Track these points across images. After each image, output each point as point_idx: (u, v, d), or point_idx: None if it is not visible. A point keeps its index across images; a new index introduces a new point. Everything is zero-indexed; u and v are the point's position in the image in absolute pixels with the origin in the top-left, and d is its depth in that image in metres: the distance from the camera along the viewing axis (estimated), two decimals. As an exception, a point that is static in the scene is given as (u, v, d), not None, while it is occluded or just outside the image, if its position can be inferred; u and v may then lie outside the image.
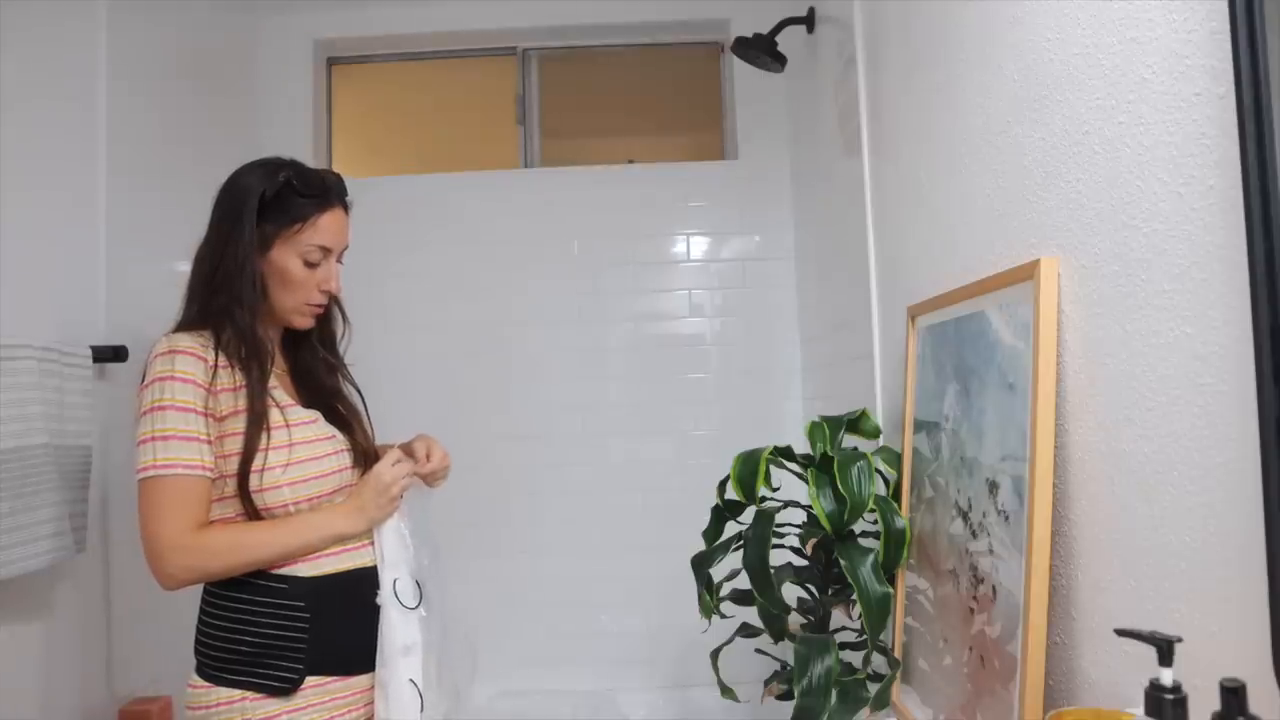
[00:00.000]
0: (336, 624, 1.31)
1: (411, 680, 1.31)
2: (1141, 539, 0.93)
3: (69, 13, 1.82)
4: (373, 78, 3.15)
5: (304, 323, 1.42)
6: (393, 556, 1.35)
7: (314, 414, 1.39)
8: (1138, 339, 0.93)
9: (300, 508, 1.31)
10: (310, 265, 1.37)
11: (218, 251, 1.33)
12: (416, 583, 1.36)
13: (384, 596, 1.32)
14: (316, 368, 1.47)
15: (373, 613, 1.33)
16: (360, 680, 1.33)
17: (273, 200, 1.34)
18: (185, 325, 1.33)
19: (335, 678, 1.30)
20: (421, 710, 1.31)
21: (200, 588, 1.32)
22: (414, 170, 2.99)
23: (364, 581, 1.34)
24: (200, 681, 1.28)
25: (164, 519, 1.22)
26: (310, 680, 1.28)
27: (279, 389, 1.38)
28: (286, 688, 1.26)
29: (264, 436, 1.28)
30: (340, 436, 1.41)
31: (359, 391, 1.51)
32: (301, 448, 1.32)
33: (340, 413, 1.45)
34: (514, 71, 3.03)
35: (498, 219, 2.84)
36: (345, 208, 1.43)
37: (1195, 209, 0.83)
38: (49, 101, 1.75)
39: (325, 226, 1.37)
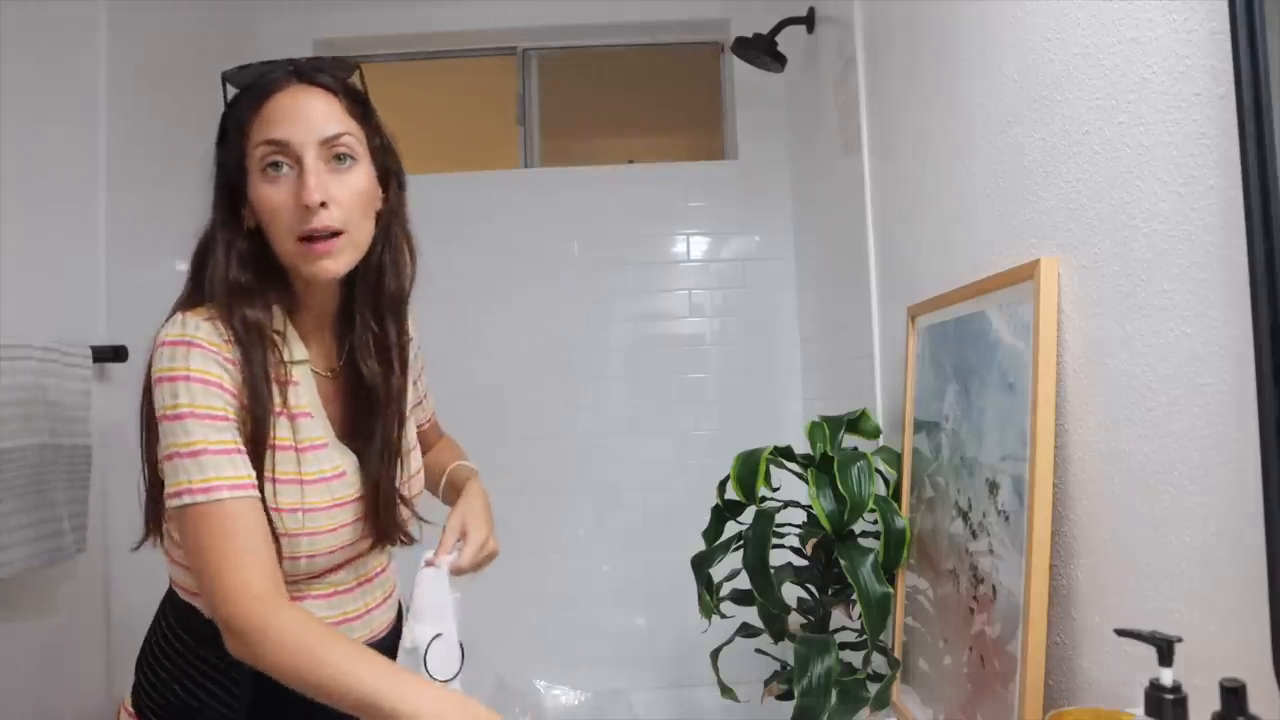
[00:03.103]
0: (281, 707, 0.98)
1: None
2: (1141, 539, 0.93)
3: (69, 13, 1.82)
4: (372, 78, 3.14)
5: (311, 269, 0.98)
6: (435, 609, 1.04)
7: (343, 460, 1.05)
8: (1138, 339, 0.93)
9: (315, 564, 1.04)
10: (275, 178, 0.96)
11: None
12: (461, 646, 1.05)
13: (410, 654, 1.02)
14: (363, 374, 1.08)
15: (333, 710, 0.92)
16: None
17: (224, 119, 1.02)
18: (185, 306, 1.01)
19: None
20: None
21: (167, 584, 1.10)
22: (414, 170, 2.97)
23: None
24: (129, 706, 1.07)
25: (229, 564, 0.90)
26: None
27: (312, 418, 1.04)
28: None
29: (270, 465, 0.99)
30: (361, 500, 1.07)
31: (411, 377, 1.18)
32: (319, 515, 1.02)
33: (371, 449, 1.08)
34: (514, 71, 3.03)
35: (498, 219, 2.83)
36: (320, 85, 1.01)
37: (1195, 209, 0.83)
38: (49, 101, 1.75)
39: (271, 113, 0.97)
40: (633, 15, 2.91)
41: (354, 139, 1.01)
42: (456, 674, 1.03)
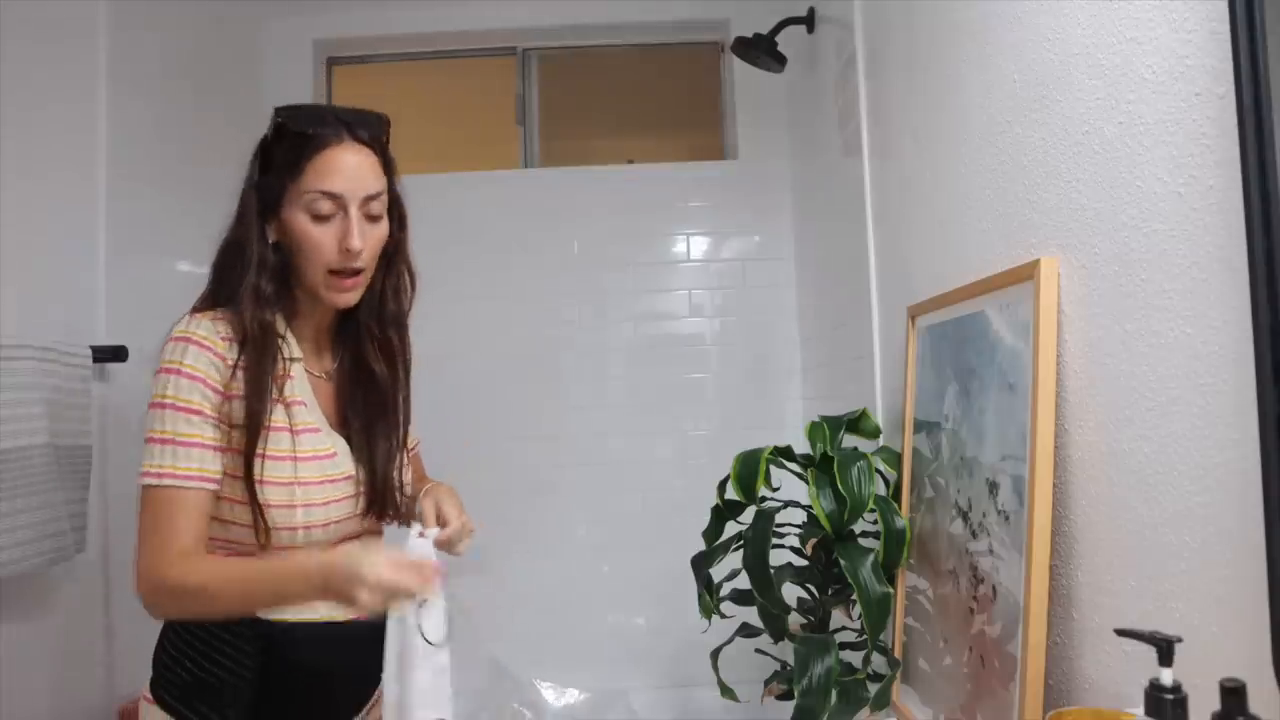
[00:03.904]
0: (290, 675, 1.13)
1: None
2: (1141, 539, 0.93)
3: (69, 13, 1.82)
4: (373, 78, 3.15)
5: (336, 298, 1.15)
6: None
7: (334, 443, 1.18)
8: (1138, 339, 0.93)
9: (313, 535, 1.14)
10: (320, 219, 1.12)
11: (231, 224, 1.17)
12: (448, 614, 1.09)
13: (400, 621, 1.05)
14: (375, 374, 1.23)
15: (338, 672, 1.13)
16: None
17: (273, 149, 1.15)
18: (201, 307, 1.15)
19: None
20: None
21: None
22: (414, 170, 2.97)
23: (336, 637, 1.15)
24: (149, 694, 1.16)
25: (148, 542, 1.06)
26: None
27: (306, 406, 1.16)
28: None
29: (261, 444, 1.10)
30: (356, 476, 1.19)
31: (407, 390, 1.30)
32: (311, 489, 1.13)
33: (372, 438, 1.22)
34: (514, 71, 3.03)
35: (498, 219, 2.83)
36: (369, 145, 1.15)
37: (1195, 209, 0.83)
38: (49, 101, 1.75)
39: (326, 166, 1.11)
40: (633, 15, 2.91)
41: (385, 194, 1.18)
42: (445, 638, 1.08)
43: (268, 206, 1.14)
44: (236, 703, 1.12)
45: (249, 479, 1.10)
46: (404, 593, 1.01)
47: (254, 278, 1.13)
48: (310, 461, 1.14)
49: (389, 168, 1.20)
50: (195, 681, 1.12)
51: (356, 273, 1.15)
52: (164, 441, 1.08)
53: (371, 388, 1.23)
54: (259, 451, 1.10)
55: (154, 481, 1.07)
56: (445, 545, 1.18)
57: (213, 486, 1.10)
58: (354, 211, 1.13)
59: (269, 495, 1.11)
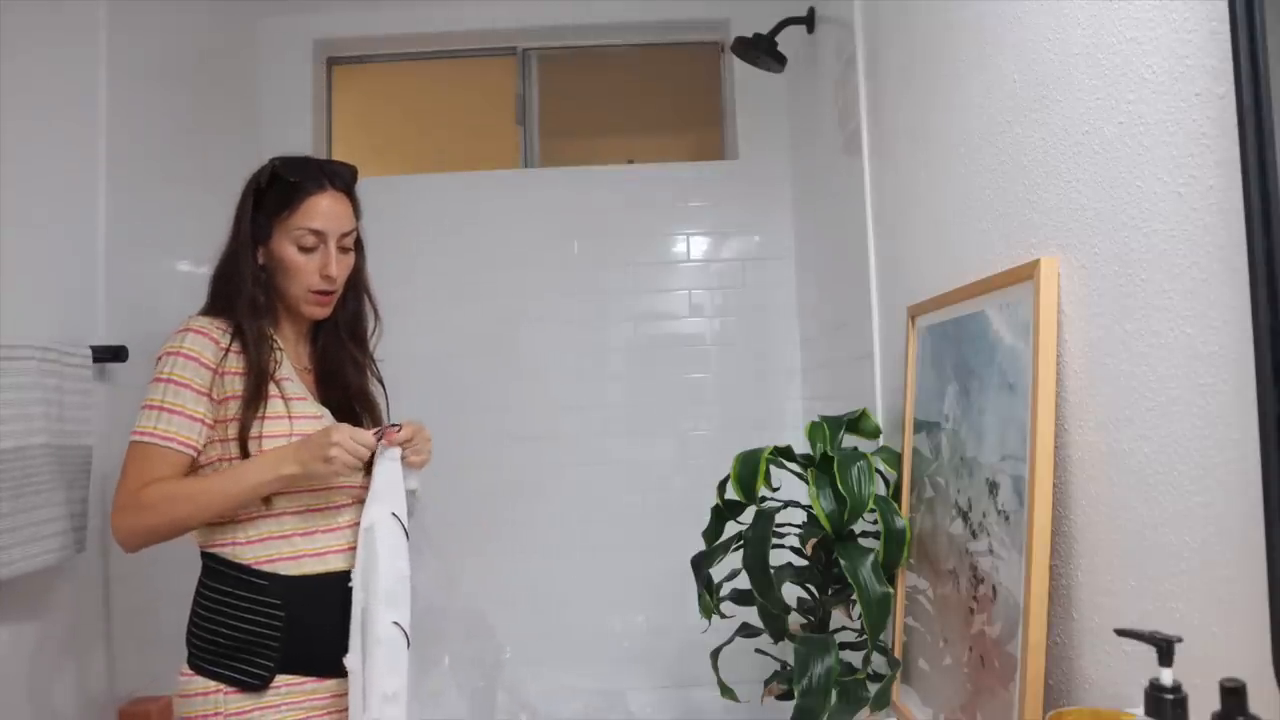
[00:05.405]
0: (314, 625, 1.32)
1: (396, 622, 1.27)
2: (1141, 539, 0.93)
3: (69, 13, 1.82)
4: (373, 78, 3.15)
5: (314, 311, 1.42)
6: (389, 487, 1.32)
7: (320, 410, 1.41)
8: (1138, 339, 0.93)
9: (297, 498, 1.34)
10: (305, 250, 1.38)
11: (226, 247, 1.41)
12: (405, 528, 1.31)
13: (368, 531, 1.29)
14: (344, 366, 1.48)
15: (350, 615, 1.30)
16: (336, 684, 1.33)
17: (267, 189, 1.39)
18: (204, 313, 1.38)
19: (310, 678, 1.32)
20: (408, 645, 1.28)
21: (197, 578, 1.35)
22: (414, 170, 2.99)
23: (346, 585, 1.33)
24: (187, 669, 1.31)
25: (122, 482, 1.28)
26: (283, 679, 1.30)
27: (293, 382, 1.39)
28: (257, 684, 1.29)
29: (258, 423, 1.31)
30: None
31: (384, 387, 1.54)
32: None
33: (355, 412, 1.47)
34: (514, 71, 3.03)
35: (498, 219, 2.83)
36: (344, 192, 1.43)
37: (1195, 209, 0.83)
38: (49, 101, 1.75)
39: (313, 209, 1.38)
40: (633, 15, 2.91)
41: (355, 231, 1.45)
42: (405, 543, 1.29)
43: (258, 238, 1.39)
44: (270, 652, 1.29)
45: (244, 438, 1.30)
46: (367, 445, 1.29)
47: (250, 290, 1.37)
48: (302, 420, 1.36)
49: (357, 210, 1.46)
50: (232, 642, 1.30)
51: (331, 292, 1.42)
52: (155, 408, 1.29)
53: (341, 371, 1.49)
54: (259, 415, 1.32)
55: (138, 438, 1.29)
56: (405, 448, 1.37)
57: (189, 451, 1.30)
58: (332, 245, 1.39)
59: (267, 448, 1.31)
